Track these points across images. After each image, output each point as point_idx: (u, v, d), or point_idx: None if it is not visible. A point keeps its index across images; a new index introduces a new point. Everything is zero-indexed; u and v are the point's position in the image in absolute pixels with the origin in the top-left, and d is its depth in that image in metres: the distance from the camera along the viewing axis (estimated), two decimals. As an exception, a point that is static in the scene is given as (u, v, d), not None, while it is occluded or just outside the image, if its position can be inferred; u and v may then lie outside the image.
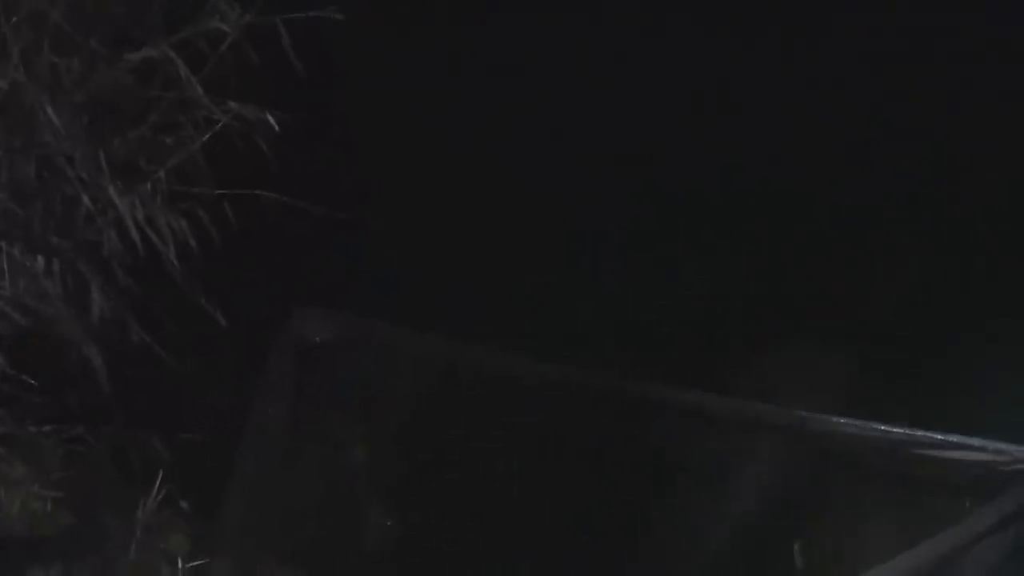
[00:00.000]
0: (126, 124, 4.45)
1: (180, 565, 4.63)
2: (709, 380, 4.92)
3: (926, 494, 4.59)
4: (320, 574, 4.82)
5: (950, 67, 6.04)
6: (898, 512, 4.66)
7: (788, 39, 6.13)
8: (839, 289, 5.69)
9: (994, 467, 4.47)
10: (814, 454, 4.74)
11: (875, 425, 4.61)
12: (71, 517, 4.61)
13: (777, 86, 6.13)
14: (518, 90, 5.96)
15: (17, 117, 4.25)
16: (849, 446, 4.67)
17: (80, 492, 4.64)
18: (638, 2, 6.19)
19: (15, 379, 4.51)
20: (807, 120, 5.97)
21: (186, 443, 4.77)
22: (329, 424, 5.00)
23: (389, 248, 5.54)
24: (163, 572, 4.61)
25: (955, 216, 5.87)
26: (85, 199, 4.34)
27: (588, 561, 4.77)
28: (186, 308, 4.50)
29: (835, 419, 4.68)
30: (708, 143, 5.96)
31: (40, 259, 4.36)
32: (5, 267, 4.31)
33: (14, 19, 4.15)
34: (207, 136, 4.46)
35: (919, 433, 4.57)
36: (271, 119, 4.40)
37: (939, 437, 4.54)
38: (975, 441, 4.50)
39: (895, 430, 4.60)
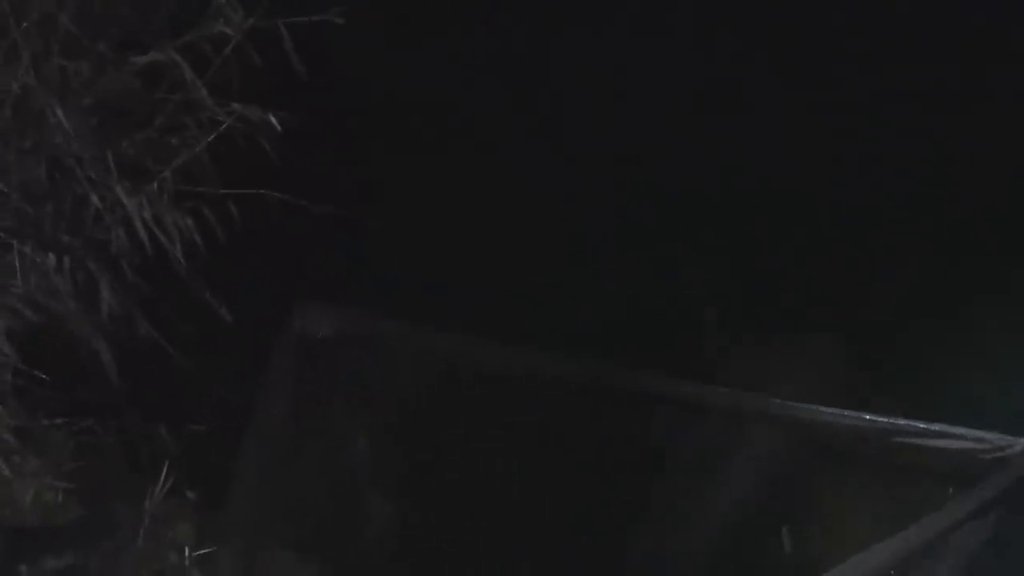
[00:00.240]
0: (133, 126, 4.49)
1: (187, 553, 4.69)
2: (701, 372, 5.00)
3: (910, 481, 4.60)
4: (323, 562, 4.86)
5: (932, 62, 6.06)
6: (883, 498, 4.69)
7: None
8: (829, 283, 5.69)
9: (976, 455, 4.46)
10: (802, 443, 4.75)
11: (861, 415, 4.61)
12: (82, 507, 4.66)
13: (768, 80, 6.14)
14: (517, 90, 5.96)
15: (28, 119, 4.30)
16: (836, 435, 4.66)
17: (90, 483, 4.68)
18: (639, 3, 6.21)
19: (27, 374, 4.54)
20: (805, 121, 5.97)
21: (193, 435, 4.82)
22: (331, 417, 5.00)
23: (389, 246, 5.54)
24: (170, 560, 4.66)
25: (943, 210, 5.86)
26: (94, 199, 4.38)
27: (585, 548, 4.80)
28: (192, 305, 4.55)
29: (823, 409, 4.67)
30: (705, 144, 5.96)
31: (51, 257, 4.39)
32: (17, 265, 4.35)
33: (24, 24, 4.19)
34: (212, 137, 4.49)
35: (903, 422, 4.57)
36: (274, 120, 4.43)
37: (923, 426, 4.54)
38: (957, 430, 4.49)
39: (880, 419, 4.60)
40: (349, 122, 5.44)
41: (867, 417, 4.60)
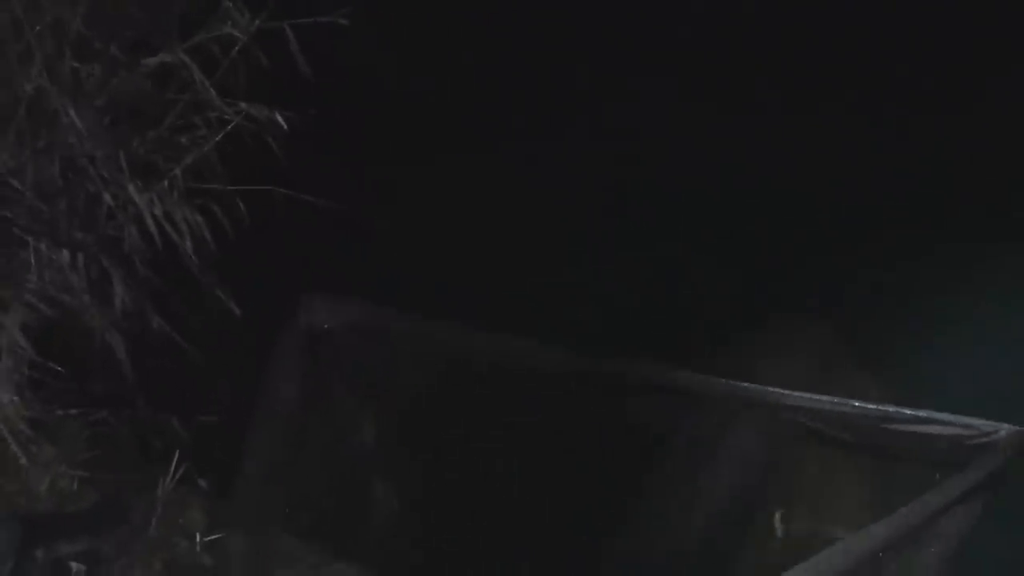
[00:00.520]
0: (144, 125, 4.51)
1: (198, 539, 4.71)
2: (695, 361, 4.98)
3: (898, 466, 4.66)
4: (329, 547, 4.92)
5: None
6: (872, 483, 4.76)
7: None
8: (818, 272, 5.70)
9: (962, 441, 4.51)
10: (794, 429, 4.78)
11: (850, 402, 4.66)
12: (96, 495, 4.69)
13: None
14: (519, 89, 5.98)
15: (42, 120, 4.33)
16: (826, 421, 4.71)
17: (104, 472, 4.72)
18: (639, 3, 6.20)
19: (43, 366, 4.56)
20: (806, 120, 5.94)
21: (203, 426, 4.84)
22: (337, 406, 5.12)
23: (393, 239, 5.57)
24: (182, 546, 4.69)
25: (930, 198, 5.87)
26: (107, 196, 4.41)
27: (584, 533, 4.85)
28: (202, 298, 4.58)
29: (813, 396, 4.73)
30: (701, 141, 5.96)
31: (65, 253, 4.43)
32: (32, 261, 4.39)
33: (37, 28, 4.22)
34: (220, 136, 4.51)
35: (891, 409, 4.61)
36: (280, 119, 4.46)
37: (910, 413, 4.58)
38: (944, 416, 4.54)
39: (869, 406, 4.65)
40: (354, 120, 5.44)
41: (856, 404, 4.65)
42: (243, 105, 4.48)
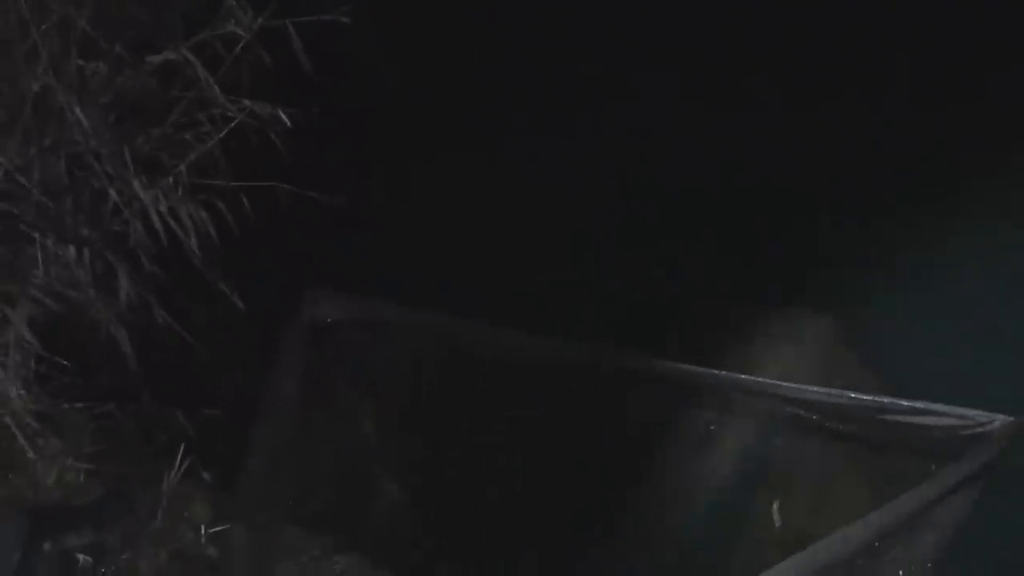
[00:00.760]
0: (149, 123, 4.52)
1: (203, 531, 4.74)
2: (694, 354, 4.96)
3: (894, 457, 4.66)
4: (333, 538, 4.96)
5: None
6: (868, 473, 4.74)
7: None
8: (811, 263, 5.73)
9: (957, 431, 4.52)
10: (791, 420, 4.81)
11: (846, 392, 4.67)
12: (102, 488, 4.70)
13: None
14: (518, 86, 5.99)
15: (48, 118, 4.34)
16: (823, 412, 4.74)
17: (110, 465, 4.73)
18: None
19: (49, 361, 4.59)
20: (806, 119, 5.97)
21: (208, 418, 4.86)
22: (340, 399, 5.12)
23: (394, 234, 5.57)
24: (187, 538, 4.71)
25: (924, 194, 5.90)
26: (112, 193, 4.42)
27: (583, 520, 4.88)
28: (207, 293, 4.59)
29: (810, 387, 4.74)
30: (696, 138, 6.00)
31: (71, 249, 4.44)
32: (39, 257, 4.39)
33: (44, 27, 4.23)
34: (224, 132, 4.52)
35: (886, 400, 4.62)
36: (283, 115, 4.46)
37: (905, 403, 4.58)
38: (939, 407, 4.54)
39: (865, 397, 4.65)
40: (357, 117, 5.44)
41: (852, 395, 4.65)
42: (247, 102, 4.48)
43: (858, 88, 6.05)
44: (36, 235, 4.40)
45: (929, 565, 4.47)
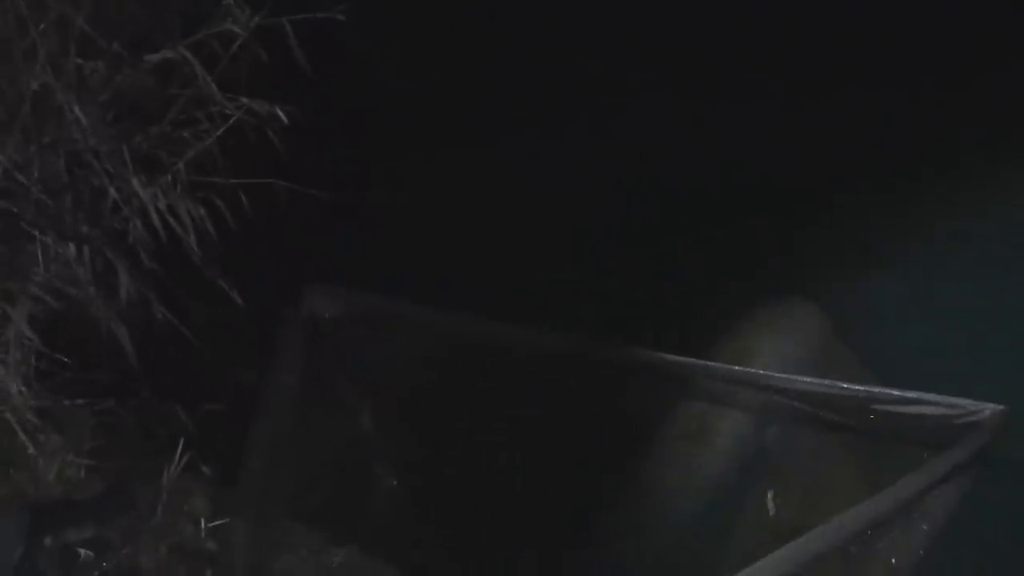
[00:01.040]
0: (147, 121, 4.49)
1: (203, 525, 4.73)
2: (687, 345, 5.06)
3: (887, 446, 4.76)
4: (331, 532, 4.94)
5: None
6: (861, 462, 4.83)
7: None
8: (804, 255, 5.74)
9: (949, 420, 4.64)
10: (785, 411, 4.89)
11: (839, 383, 4.77)
12: (102, 483, 4.69)
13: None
14: (518, 85, 5.98)
15: (47, 116, 4.31)
16: (816, 403, 4.83)
17: (111, 460, 4.72)
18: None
19: (50, 357, 4.57)
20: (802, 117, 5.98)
21: (207, 413, 4.82)
22: (339, 393, 5.16)
23: (391, 230, 5.56)
24: (187, 532, 4.70)
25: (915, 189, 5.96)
26: (111, 190, 4.39)
27: (579, 511, 4.92)
28: (206, 289, 4.57)
29: (803, 378, 4.84)
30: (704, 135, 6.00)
31: (71, 247, 4.42)
32: (39, 255, 4.38)
33: (42, 25, 4.20)
34: (222, 130, 4.49)
35: (879, 390, 4.73)
36: (280, 113, 4.43)
37: (897, 393, 4.70)
38: (931, 397, 4.66)
39: (858, 387, 4.76)
40: (354, 113, 5.45)
41: (844, 386, 4.75)
42: (244, 100, 4.45)
43: (852, 81, 6.07)
44: (36, 233, 4.38)
45: (921, 552, 4.55)
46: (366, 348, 5.12)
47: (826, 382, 4.82)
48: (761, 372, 4.95)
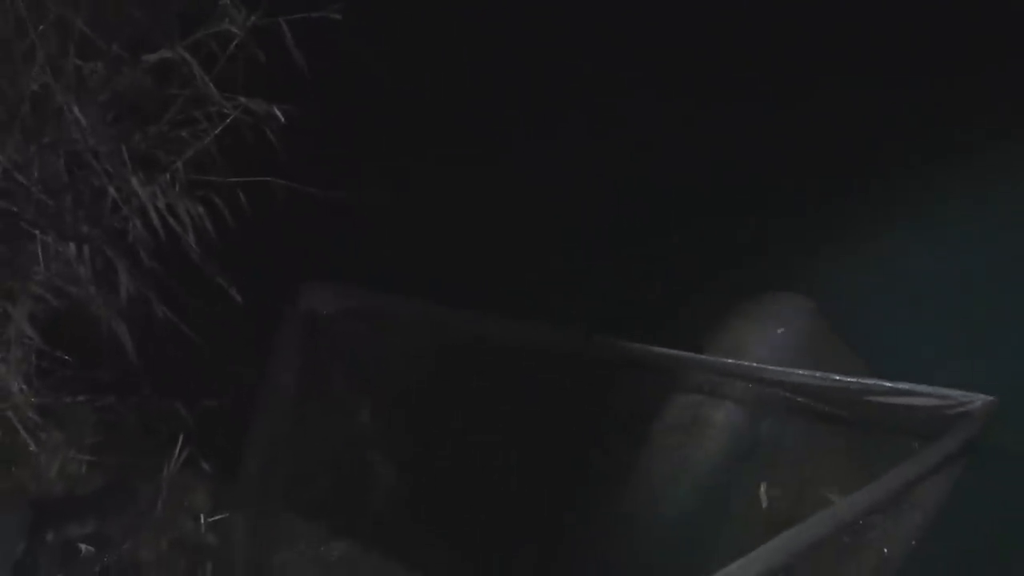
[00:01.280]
0: (146, 120, 4.51)
1: (202, 520, 4.77)
2: (680, 339, 5.08)
3: (879, 436, 4.79)
4: (330, 527, 4.97)
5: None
6: (853, 453, 4.85)
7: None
8: (796, 249, 5.74)
9: (939, 411, 4.67)
10: (777, 403, 4.93)
11: (830, 375, 4.80)
12: (104, 479, 4.72)
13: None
14: (514, 84, 5.99)
15: (47, 117, 4.33)
16: (808, 395, 4.87)
17: (111, 456, 4.75)
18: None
19: (51, 355, 4.59)
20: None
21: (207, 410, 4.86)
22: (337, 389, 5.19)
23: (386, 229, 5.54)
24: (187, 527, 4.74)
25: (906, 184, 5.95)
26: (111, 190, 4.41)
27: (575, 503, 4.93)
28: (205, 286, 4.57)
29: (795, 370, 4.87)
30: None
31: (71, 246, 4.44)
32: (40, 254, 4.40)
33: (41, 27, 4.22)
34: (220, 129, 4.50)
35: (870, 381, 4.75)
36: (278, 112, 4.44)
37: (888, 385, 4.72)
38: (921, 388, 4.69)
39: (850, 379, 4.78)
40: (350, 112, 5.46)
41: (836, 377, 4.78)
42: (242, 99, 4.46)
43: (841, 80, 6.08)
44: (36, 232, 4.40)
45: (913, 542, 4.58)
46: (364, 344, 5.16)
47: (818, 374, 4.84)
48: (754, 365, 4.97)
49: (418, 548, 4.95)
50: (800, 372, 4.88)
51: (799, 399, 4.90)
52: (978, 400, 4.68)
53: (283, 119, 4.48)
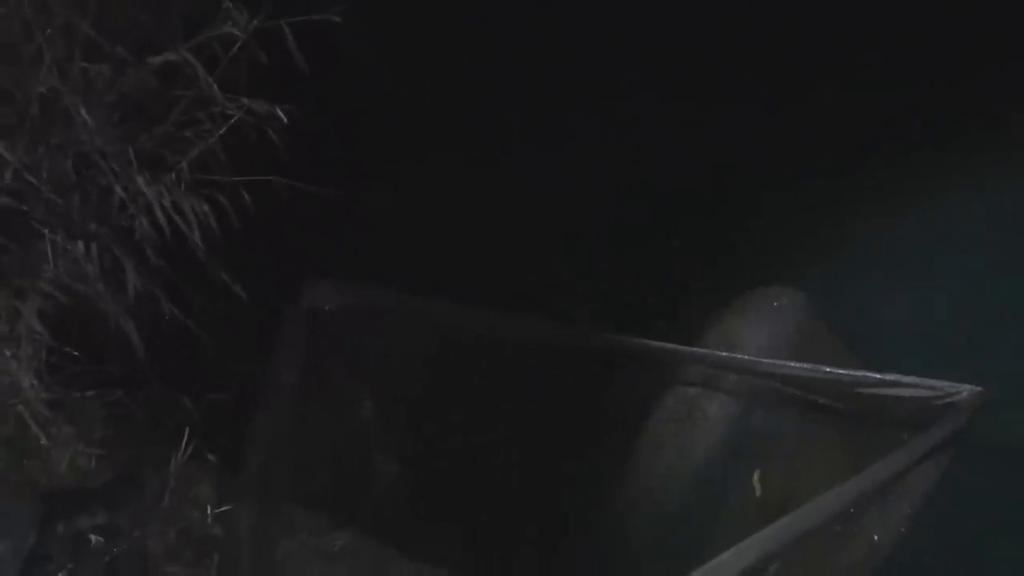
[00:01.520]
0: (152, 121, 4.53)
1: (208, 511, 4.77)
2: (675, 332, 5.14)
3: (868, 427, 4.86)
4: (332, 517, 5.03)
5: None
6: (843, 443, 4.91)
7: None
8: (788, 243, 5.77)
9: (927, 402, 4.75)
10: (770, 394, 4.99)
11: (821, 367, 4.86)
12: (112, 471, 4.73)
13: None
14: (513, 85, 6.02)
15: (55, 118, 4.36)
16: (800, 386, 4.92)
17: (120, 449, 4.76)
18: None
19: (60, 351, 4.61)
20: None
21: (212, 404, 4.85)
22: (338, 384, 5.24)
23: (389, 224, 5.60)
24: (193, 518, 4.75)
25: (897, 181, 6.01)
26: (118, 189, 4.43)
27: (574, 494, 5.01)
28: (210, 283, 4.61)
29: (787, 363, 4.93)
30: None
31: (80, 244, 4.45)
32: (49, 252, 4.41)
33: (48, 31, 4.25)
34: (223, 130, 4.52)
35: (860, 373, 4.81)
36: (280, 112, 4.47)
37: (878, 376, 4.79)
38: (910, 379, 4.76)
39: (840, 371, 4.85)
40: (351, 113, 5.49)
41: (827, 370, 4.83)
42: (245, 100, 4.49)
43: (839, 82, 6.13)
44: (45, 231, 4.42)
45: (902, 530, 4.66)
46: (365, 340, 5.21)
47: (809, 366, 4.91)
48: (748, 358, 5.04)
49: (418, 539, 5.00)
50: (792, 364, 4.94)
51: (791, 391, 4.96)
52: (965, 391, 4.75)
53: (285, 120, 4.50)
